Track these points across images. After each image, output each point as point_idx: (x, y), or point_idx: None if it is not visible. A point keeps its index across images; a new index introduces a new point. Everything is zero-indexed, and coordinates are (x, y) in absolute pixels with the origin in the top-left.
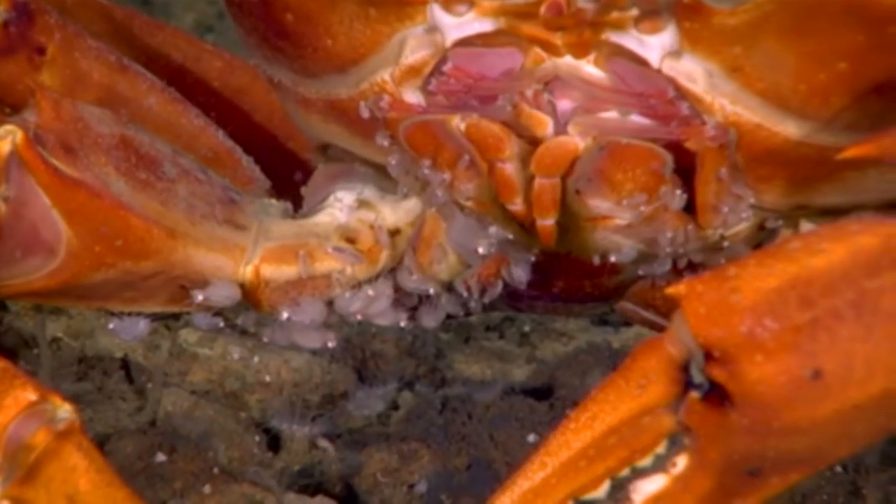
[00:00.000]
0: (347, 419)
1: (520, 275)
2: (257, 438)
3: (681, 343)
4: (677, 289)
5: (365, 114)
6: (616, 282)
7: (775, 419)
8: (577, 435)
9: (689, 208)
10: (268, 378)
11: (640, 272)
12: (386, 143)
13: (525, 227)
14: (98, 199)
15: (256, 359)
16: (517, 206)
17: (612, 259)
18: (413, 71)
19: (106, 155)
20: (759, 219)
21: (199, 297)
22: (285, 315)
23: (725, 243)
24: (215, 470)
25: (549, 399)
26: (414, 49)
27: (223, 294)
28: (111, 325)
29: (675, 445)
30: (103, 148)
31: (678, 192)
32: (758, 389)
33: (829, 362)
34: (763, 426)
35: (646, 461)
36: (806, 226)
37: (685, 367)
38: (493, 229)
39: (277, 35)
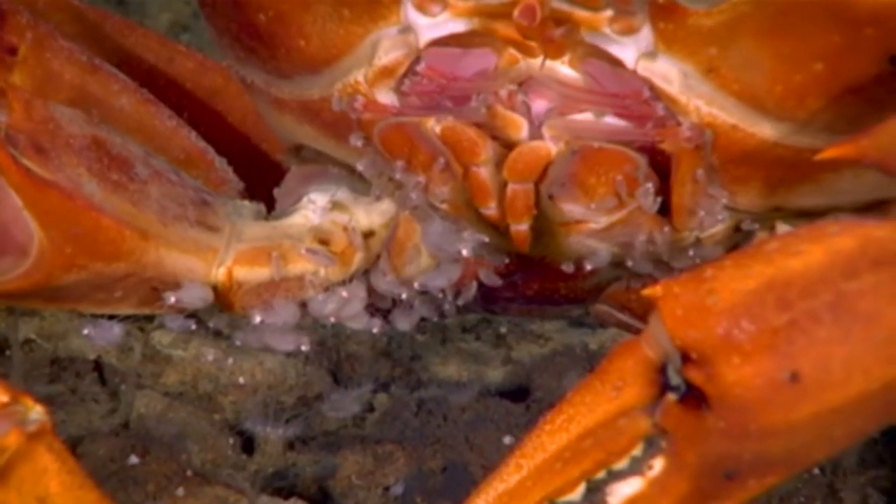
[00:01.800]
0: (322, 421)
1: (494, 277)
2: (231, 441)
3: (657, 345)
4: (654, 290)
5: (338, 107)
6: (591, 284)
7: (752, 422)
8: (552, 437)
9: (665, 211)
10: (242, 380)
11: (615, 274)
12: (359, 144)
13: (499, 230)
14: (70, 200)
15: (230, 360)
16: (491, 210)
17: (588, 266)
18: (386, 71)
19: (78, 156)
20: (734, 221)
21: (171, 299)
22: (258, 318)
23: (701, 245)
24: (188, 472)
25: (525, 401)
26: (387, 50)
27: (195, 296)
28: (85, 331)
29: (651, 448)
30: (75, 149)
31: (653, 194)
32: (734, 392)
33: (806, 364)
34: (740, 429)
35: (622, 464)
36: (782, 227)
37: (662, 369)
38: (468, 233)
39: (250, 36)
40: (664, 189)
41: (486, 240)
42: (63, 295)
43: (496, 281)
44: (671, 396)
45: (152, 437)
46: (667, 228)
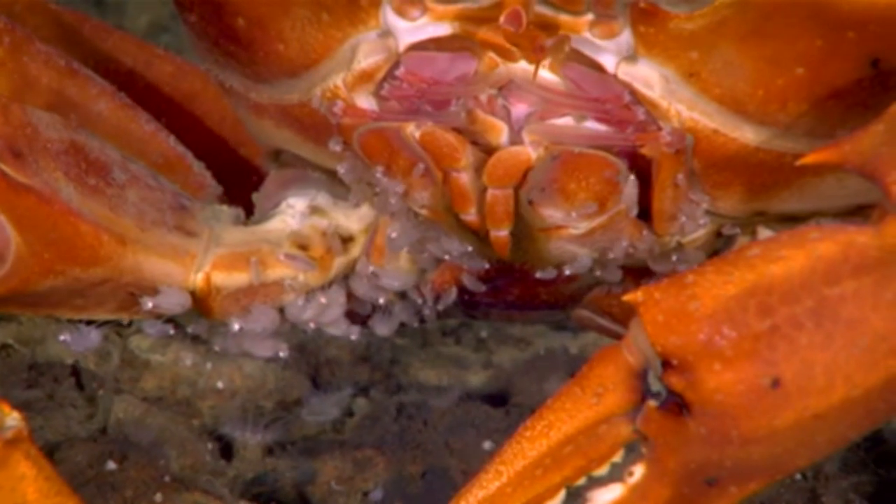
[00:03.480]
0: (301, 426)
1: (475, 283)
2: (209, 446)
3: (638, 351)
4: (634, 296)
5: (317, 105)
6: (572, 289)
7: (733, 428)
8: (532, 444)
9: (645, 216)
10: (220, 384)
11: (596, 279)
12: (338, 148)
13: (479, 236)
14: (47, 206)
15: (209, 365)
16: (471, 216)
17: (567, 271)
18: (366, 76)
19: (55, 160)
20: (716, 225)
21: (149, 305)
22: (237, 326)
23: (683, 250)
24: (167, 478)
25: (505, 406)
26: (367, 54)
27: (173, 301)
28: (62, 338)
29: (631, 454)
30: (52, 153)
31: (633, 199)
32: (716, 398)
33: (788, 371)
34: (721, 436)
35: (602, 470)
36: (764, 232)
37: (643, 376)
38: (443, 239)
39: (229, 40)
40: (645, 194)
41: (467, 248)
42: (40, 301)
43: (478, 286)
44: (652, 403)
45: (130, 442)
46: (647, 233)
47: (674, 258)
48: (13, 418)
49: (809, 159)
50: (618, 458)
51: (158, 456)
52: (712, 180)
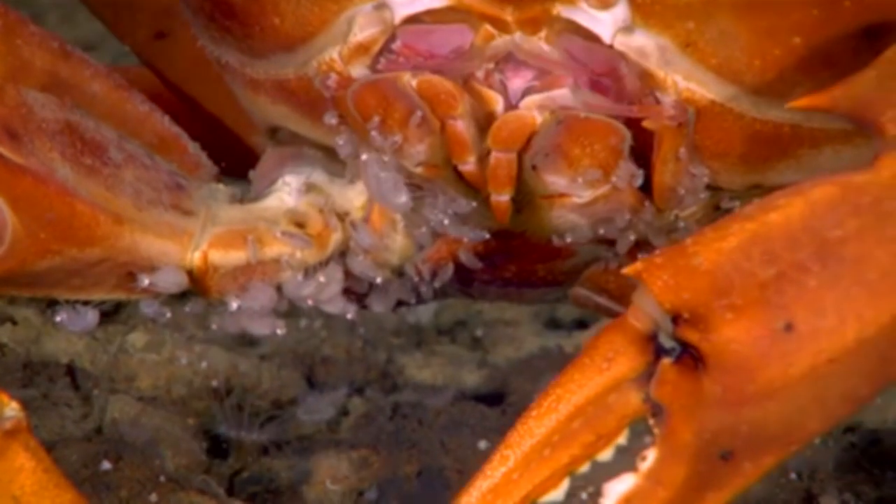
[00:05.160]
0: (296, 425)
1: (472, 259)
2: (205, 445)
3: (645, 315)
4: (635, 267)
5: (312, 76)
6: (569, 266)
7: (750, 382)
8: (540, 421)
9: (646, 188)
10: (215, 384)
11: (594, 256)
12: (334, 122)
13: (478, 194)
14: (43, 186)
15: (204, 364)
16: (469, 165)
17: (568, 239)
18: (362, 49)
19: (51, 140)
20: (715, 199)
21: (146, 282)
22: (235, 304)
23: (681, 224)
24: (162, 478)
25: (500, 405)
26: (363, 26)
27: (170, 280)
28: (59, 318)
29: (643, 436)
30: (48, 134)
31: (636, 169)
32: (731, 348)
33: (799, 313)
34: (737, 393)
35: (608, 453)
36: None
37: (653, 337)
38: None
39: (224, 14)
40: (645, 167)
41: (469, 204)
42: (38, 281)
43: (475, 263)
44: (666, 360)
45: (125, 442)
46: (648, 205)
47: (673, 231)
48: (12, 409)
49: (801, 103)
50: (627, 440)
51: (154, 455)
52: (710, 152)
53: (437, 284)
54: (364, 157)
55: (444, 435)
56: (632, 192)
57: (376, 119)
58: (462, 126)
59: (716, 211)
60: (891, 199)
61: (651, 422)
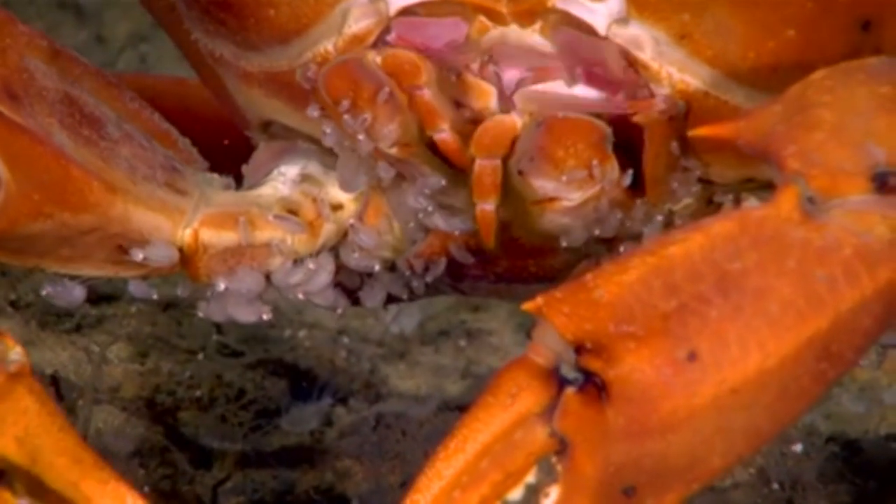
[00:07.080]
0: (280, 435)
1: (463, 253)
2: (188, 455)
3: (547, 350)
4: (535, 303)
5: (304, 72)
6: (561, 261)
7: (653, 411)
8: (448, 462)
9: (637, 184)
10: (199, 394)
11: (585, 251)
12: (316, 114)
13: (455, 166)
14: (40, 146)
15: (188, 374)
16: (444, 133)
17: (563, 244)
18: (356, 41)
19: (50, 107)
20: (707, 193)
21: (139, 256)
22: (222, 285)
23: (677, 220)
24: (146, 488)
25: None
26: (357, 18)
27: (161, 254)
28: (45, 291)
29: (547, 473)
30: (48, 101)
31: (625, 167)
32: (634, 376)
33: (702, 343)
34: (640, 423)
35: (517, 493)
36: (750, 200)
37: (556, 370)
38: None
39: (219, 6)
40: (636, 162)
41: (444, 183)
42: (27, 247)
43: (467, 258)
44: (570, 390)
45: (110, 452)
46: (640, 203)
47: (668, 225)
48: (16, 352)
49: (702, 131)
50: (532, 478)
51: (138, 466)
52: (703, 145)
53: (428, 279)
54: (327, 131)
55: (428, 445)
56: (622, 189)
57: (346, 102)
58: (429, 94)
59: (709, 205)
60: (790, 232)
61: (554, 459)
